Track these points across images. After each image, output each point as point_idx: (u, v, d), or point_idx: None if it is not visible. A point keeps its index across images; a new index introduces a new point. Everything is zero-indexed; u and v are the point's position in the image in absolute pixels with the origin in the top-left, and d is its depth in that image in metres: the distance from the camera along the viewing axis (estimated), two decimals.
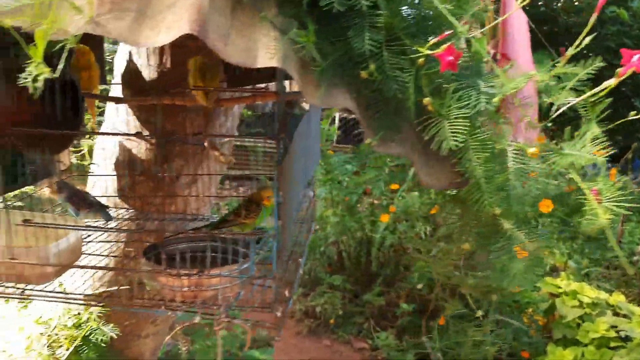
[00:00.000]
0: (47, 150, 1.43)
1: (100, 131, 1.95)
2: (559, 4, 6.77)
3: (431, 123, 0.92)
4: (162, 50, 1.78)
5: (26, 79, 0.75)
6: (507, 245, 0.94)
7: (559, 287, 3.83)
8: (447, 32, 0.85)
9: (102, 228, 1.43)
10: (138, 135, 1.66)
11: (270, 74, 1.71)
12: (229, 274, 1.23)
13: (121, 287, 1.68)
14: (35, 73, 0.74)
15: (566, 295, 3.81)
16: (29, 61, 1.36)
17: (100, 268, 1.34)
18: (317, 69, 0.91)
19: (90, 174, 1.96)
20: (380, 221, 4.80)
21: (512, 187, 0.85)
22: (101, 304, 1.28)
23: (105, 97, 1.76)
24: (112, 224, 1.68)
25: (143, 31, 0.86)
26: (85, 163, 2.25)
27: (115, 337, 1.92)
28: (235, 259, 1.34)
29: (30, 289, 1.29)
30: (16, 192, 1.65)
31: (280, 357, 4.21)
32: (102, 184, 1.96)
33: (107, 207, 1.73)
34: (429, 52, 0.86)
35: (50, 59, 1.41)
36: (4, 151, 1.42)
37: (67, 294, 1.33)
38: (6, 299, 1.36)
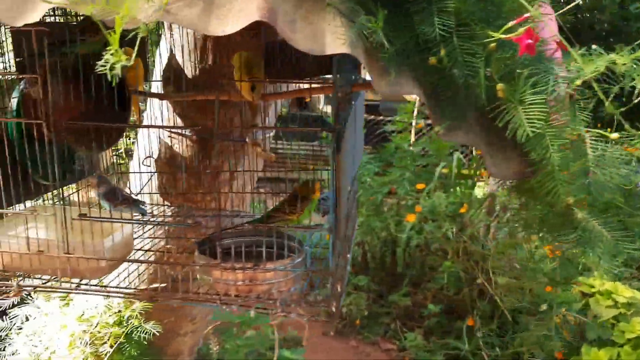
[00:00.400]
0: (96, 146, 1.43)
1: (141, 130, 1.96)
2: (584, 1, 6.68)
3: (503, 110, 0.90)
4: (203, 47, 1.78)
5: (104, 66, 0.75)
6: (581, 236, 0.91)
7: (593, 287, 3.76)
8: (525, 15, 0.83)
9: (156, 222, 1.43)
10: (194, 130, 1.66)
11: (313, 68, 1.71)
12: (284, 268, 1.22)
13: (163, 284, 1.68)
14: (113, 61, 0.74)
15: (600, 294, 3.73)
16: (85, 54, 1.37)
17: (153, 262, 1.34)
18: (385, 56, 0.90)
19: (128, 171, 1.97)
20: (407, 221, 4.76)
21: (591, 175, 0.82)
22: (155, 299, 1.27)
23: (150, 94, 1.76)
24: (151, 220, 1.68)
25: (212, 19, 0.86)
26: (122, 162, 2.27)
27: (157, 334, 1.92)
28: (287, 254, 1.32)
29: (85, 284, 1.29)
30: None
31: (308, 357, 4.20)
32: (142, 181, 1.96)
33: (142, 202, 1.73)
34: (503, 36, 0.84)
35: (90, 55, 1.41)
36: (58, 146, 1.43)
37: (122, 288, 1.33)
38: (62, 294, 1.36)
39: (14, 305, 2.03)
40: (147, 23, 0.82)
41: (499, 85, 0.89)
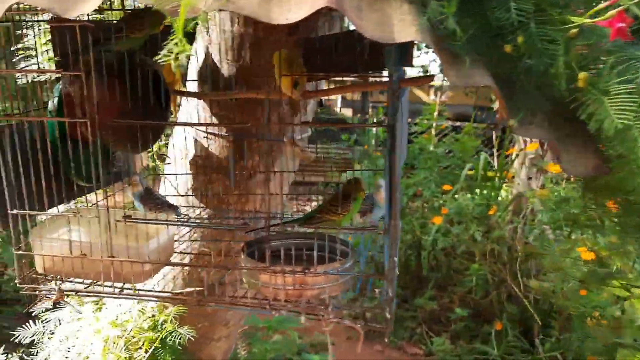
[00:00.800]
0: (136, 146, 1.39)
1: (177, 131, 1.92)
2: None
3: (584, 102, 0.83)
4: (240, 45, 1.73)
5: (167, 56, 0.70)
6: None
7: (629, 290, 3.64)
8: None
9: (203, 224, 1.38)
10: (230, 130, 1.61)
11: (351, 64, 1.65)
12: (336, 271, 1.17)
13: (199, 288, 1.64)
14: (177, 50, 0.69)
15: (636, 298, 3.62)
16: (123, 52, 1.33)
17: (200, 266, 1.29)
18: (457, 43, 0.84)
19: (163, 173, 1.93)
20: (432, 223, 4.69)
21: None
22: (202, 304, 1.23)
23: (189, 93, 1.72)
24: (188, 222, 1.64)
25: (274, 7, 0.81)
26: (153, 164, 2.23)
27: (192, 339, 1.88)
28: (337, 256, 1.27)
29: (129, 288, 1.25)
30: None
31: None
32: (175, 182, 1.92)
33: (177, 206, 1.69)
34: (590, 20, 0.78)
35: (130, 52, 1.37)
36: (97, 147, 1.40)
37: (167, 292, 1.28)
38: (103, 298, 1.32)
39: (47, 310, 2.01)
40: (207, 12, 0.77)
41: (581, 75, 0.82)
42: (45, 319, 2.14)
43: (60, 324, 2.11)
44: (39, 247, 1.27)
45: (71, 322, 2.06)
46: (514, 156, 4.85)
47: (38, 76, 1.45)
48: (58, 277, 1.29)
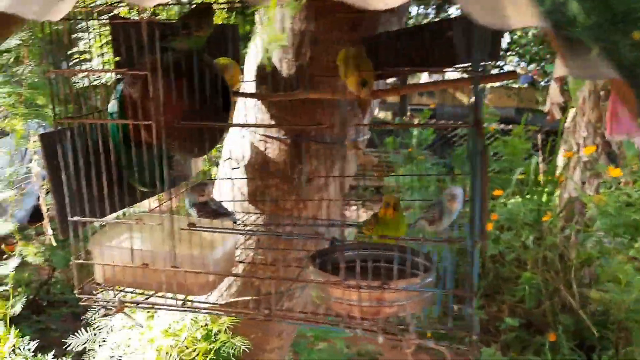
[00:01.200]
0: (198, 149, 1.32)
1: (231, 133, 1.85)
2: None
3: None
4: (300, 43, 1.65)
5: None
6: None
7: None
8: None
9: (269, 232, 1.30)
10: (289, 132, 1.53)
11: (421, 60, 1.55)
12: (417, 287, 1.06)
13: (248, 296, 1.56)
14: (269, 40, 0.61)
15: None
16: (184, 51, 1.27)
17: (270, 278, 1.20)
18: (578, 30, 0.73)
19: (217, 177, 1.87)
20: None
21: None
22: (269, 318, 1.14)
23: (248, 94, 1.65)
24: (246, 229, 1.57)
25: None
26: (207, 168, 2.17)
27: (247, 350, 1.80)
28: (415, 270, 1.17)
29: (193, 300, 1.17)
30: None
31: None
32: (229, 187, 1.85)
33: (232, 213, 1.62)
34: None
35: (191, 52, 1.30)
36: (158, 150, 1.33)
37: (230, 307, 1.21)
38: (167, 310, 1.26)
39: (102, 315, 1.97)
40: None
41: None
42: (97, 326, 2.11)
43: (112, 330, 2.07)
44: (99, 255, 1.21)
45: (123, 329, 2.02)
46: (561, 160, 4.64)
47: (96, 79, 1.41)
48: (118, 287, 1.23)
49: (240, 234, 1.21)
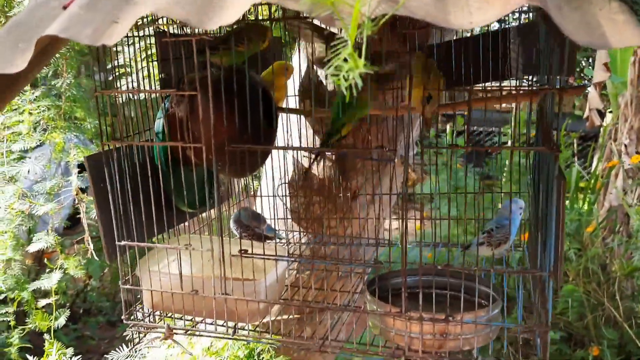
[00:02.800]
0: (244, 170, 1.28)
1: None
2: None
3: None
4: None
5: (335, 75, 0.57)
6: None
7: None
8: None
9: (328, 261, 1.24)
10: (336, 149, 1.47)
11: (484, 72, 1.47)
12: (486, 320, 0.99)
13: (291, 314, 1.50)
14: (348, 67, 0.55)
15: None
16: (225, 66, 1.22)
17: (329, 308, 1.14)
18: None
19: (263, 195, 1.82)
20: (521, 240, 4.37)
21: None
22: (324, 350, 1.09)
23: (294, 110, 1.60)
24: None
25: (452, 9, 0.66)
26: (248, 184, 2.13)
27: None
28: (479, 300, 1.09)
29: (243, 328, 1.13)
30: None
31: None
32: (271, 204, 1.81)
33: (276, 231, 1.56)
34: None
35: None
36: (203, 171, 1.30)
37: (283, 335, 1.15)
38: (219, 338, 1.22)
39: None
40: (371, 18, 0.63)
41: None
42: (137, 340, 2.08)
43: (152, 346, 2.04)
44: (148, 280, 1.18)
45: (162, 346, 1.99)
46: (601, 167, 4.48)
47: (137, 97, 1.37)
48: (166, 313, 1.19)
49: (292, 261, 1.16)
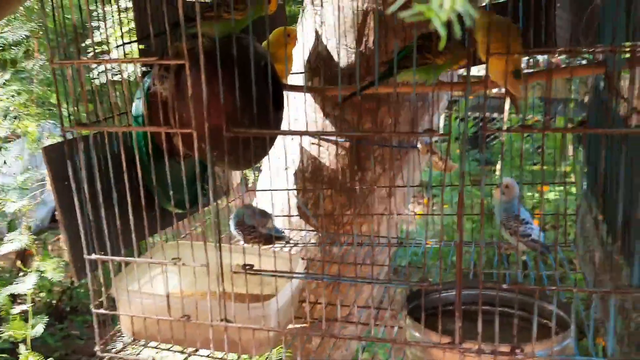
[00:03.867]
0: (246, 160, 1.03)
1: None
2: None
3: None
4: (362, 25, 1.35)
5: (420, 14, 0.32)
6: None
7: None
8: None
9: (348, 279, 1.00)
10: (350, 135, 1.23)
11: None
12: (560, 352, 0.77)
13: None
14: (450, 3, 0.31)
15: None
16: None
17: (343, 337, 0.91)
18: None
19: (262, 189, 1.57)
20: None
21: None
22: None
23: (302, 88, 1.35)
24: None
25: None
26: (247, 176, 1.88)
27: None
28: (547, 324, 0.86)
29: None
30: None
31: None
32: (276, 199, 1.56)
33: (283, 236, 1.33)
34: None
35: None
36: (193, 163, 1.06)
37: None
38: None
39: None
40: None
41: None
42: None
43: None
44: (126, 303, 0.94)
45: None
46: None
47: (115, 73, 1.12)
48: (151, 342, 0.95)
49: (307, 279, 0.92)
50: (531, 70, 1.10)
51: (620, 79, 0.92)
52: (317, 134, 1.32)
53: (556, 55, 1.21)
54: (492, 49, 0.82)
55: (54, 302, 4.20)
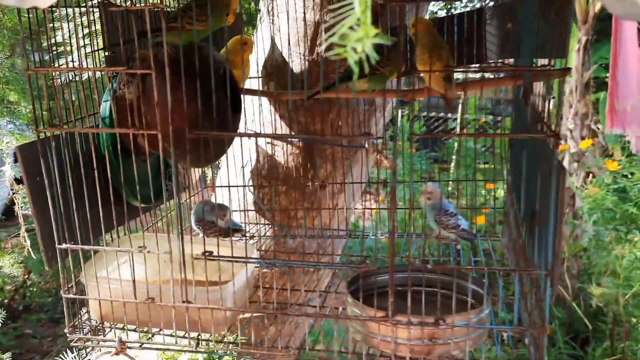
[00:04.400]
0: (204, 159, 1.14)
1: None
2: None
3: None
4: (315, 35, 1.47)
5: (342, 45, 0.45)
6: None
7: None
8: None
9: (316, 263, 1.12)
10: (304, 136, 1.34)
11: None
12: (480, 323, 0.91)
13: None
14: (359, 35, 0.44)
15: None
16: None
17: (296, 314, 1.03)
18: None
19: (221, 185, 1.67)
20: (474, 223, 4.41)
21: None
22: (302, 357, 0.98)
23: (260, 92, 1.46)
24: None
25: None
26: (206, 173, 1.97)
27: None
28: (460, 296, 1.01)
29: (207, 340, 1.00)
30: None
31: None
32: (233, 195, 1.67)
33: (240, 229, 1.43)
34: None
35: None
36: (158, 161, 1.15)
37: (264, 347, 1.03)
38: (179, 352, 1.09)
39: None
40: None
41: None
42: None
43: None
44: (95, 288, 1.02)
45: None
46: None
47: (78, 77, 1.20)
48: (118, 324, 1.04)
49: (265, 264, 1.04)
50: (466, 80, 1.26)
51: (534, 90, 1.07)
52: (270, 136, 1.43)
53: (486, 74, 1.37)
54: (427, 61, 0.98)
55: (6, 301, 4.15)
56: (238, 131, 1.28)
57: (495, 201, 1.82)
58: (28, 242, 2.07)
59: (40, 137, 1.00)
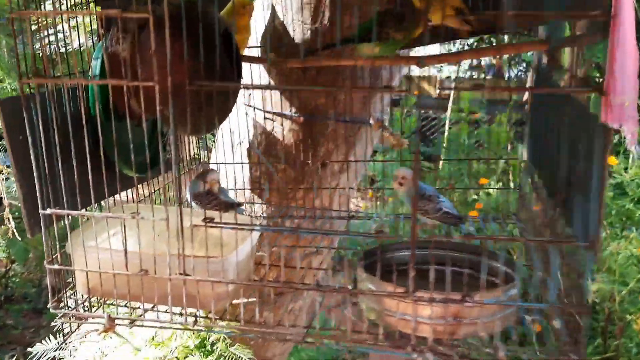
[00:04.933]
0: (206, 123, 1.05)
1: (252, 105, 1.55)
2: None
3: None
4: (318, 2, 1.38)
5: None
6: None
7: None
8: None
9: (321, 231, 1.03)
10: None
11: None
12: (509, 300, 0.83)
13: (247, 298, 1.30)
14: None
15: None
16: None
17: (313, 289, 0.94)
18: None
19: (216, 162, 1.58)
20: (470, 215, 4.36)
21: None
22: (310, 343, 0.89)
23: (258, 59, 1.36)
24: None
25: None
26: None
27: None
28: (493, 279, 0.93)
29: (206, 317, 0.91)
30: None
31: None
32: (229, 173, 1.58)
33: (240, 204, 1.35)
34: None
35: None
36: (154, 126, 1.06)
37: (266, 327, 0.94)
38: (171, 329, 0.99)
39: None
40: None
41: None
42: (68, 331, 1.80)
43: (85, 337, 1.76)
44: (82, 258, 0.93)
45: (100, 337, 1.72)
46: None
47: (68, 42, 1.10)
48: (106, 299, 0.95)
49: (267, 230, 0.95)
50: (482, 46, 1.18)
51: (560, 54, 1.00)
52: (275, 88, 1.32)
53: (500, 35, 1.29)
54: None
55: None
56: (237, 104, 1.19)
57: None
58: (12, 224, 1.95)
59: (25, 92, 0.90)
